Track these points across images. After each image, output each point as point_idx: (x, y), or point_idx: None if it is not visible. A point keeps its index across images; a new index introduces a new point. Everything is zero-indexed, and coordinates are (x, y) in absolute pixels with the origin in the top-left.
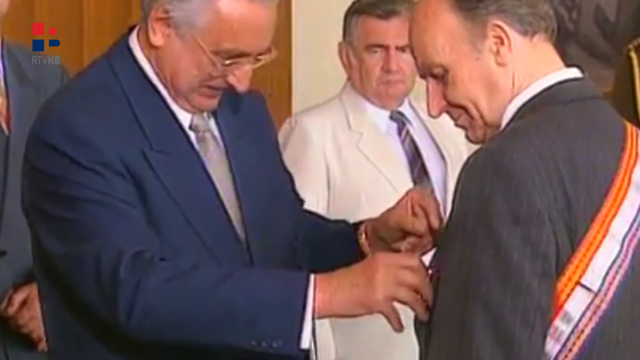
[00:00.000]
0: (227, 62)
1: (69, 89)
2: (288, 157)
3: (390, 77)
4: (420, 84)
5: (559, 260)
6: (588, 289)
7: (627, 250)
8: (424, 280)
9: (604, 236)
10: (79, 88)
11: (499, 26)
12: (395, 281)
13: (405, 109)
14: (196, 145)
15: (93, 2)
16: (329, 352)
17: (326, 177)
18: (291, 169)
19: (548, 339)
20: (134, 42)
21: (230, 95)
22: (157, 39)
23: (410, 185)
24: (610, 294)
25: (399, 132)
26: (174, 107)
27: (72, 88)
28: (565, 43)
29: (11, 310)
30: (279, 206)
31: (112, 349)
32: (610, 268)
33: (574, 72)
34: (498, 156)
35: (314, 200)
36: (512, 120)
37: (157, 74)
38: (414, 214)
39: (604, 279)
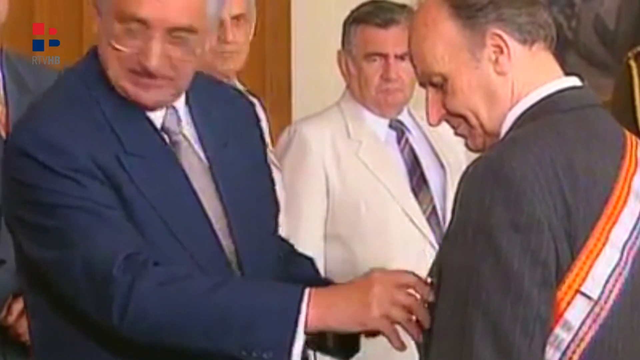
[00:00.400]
0: (132, 26)
1: (42, 101)
2: (287, 166)
3: (390, 86)
4: (420, 92)
5: (559, 268)
6: (588, 297)
7: (627, 258)
8: (419, 302)
9: (603, 244)
10: (51, 99)
11: (498, 35)
12: (390, 299)
13: (404, 117)
14: (171, 147)
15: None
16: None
17: (325, 186)
18: (290, 177)
19: (548, 347)
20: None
21: (217, 102)
22: (95, 29)
23: (409, 192)
24: (610, 302)
25: (398, 141)
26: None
27: (45, 100)
28: (565, 51)
29: (10, 319)
30: (265, 214)
31: (101, 359)
32: (610, 276)
33: (574, 81)
34: (498, 165)
35: (312, 208)
36: (511, 128)
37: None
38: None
39: (604, 287)
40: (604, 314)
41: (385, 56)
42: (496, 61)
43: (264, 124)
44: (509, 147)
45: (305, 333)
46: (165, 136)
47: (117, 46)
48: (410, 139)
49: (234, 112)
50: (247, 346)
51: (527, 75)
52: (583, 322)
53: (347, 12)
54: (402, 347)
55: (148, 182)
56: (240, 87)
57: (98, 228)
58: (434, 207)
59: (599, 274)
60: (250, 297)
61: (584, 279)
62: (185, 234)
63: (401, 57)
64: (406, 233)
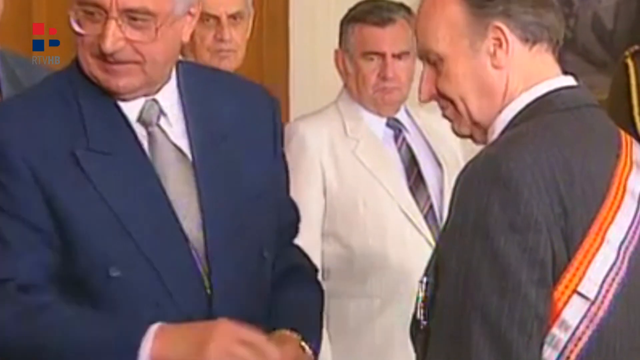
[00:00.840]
0: (91, 9)
1: (19, 95)
2: None
3: (387, 84)
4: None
5: (556, 268)
6: (585, 297)
7: (624, 258)
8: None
9: (600, 244)
10: (27, 95)
11: (499, 28)
12: (227, 352)
13: (401, 116)
14: (145, 145)
15: None
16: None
17: (323, 184)
18: None
19: (545, 346)
20: None
21: (223, 94)
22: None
23: (406, 191)
24: (607, 301)
25: (395, 139)
26: (120, 102)
27: (22, 94)
28: (563, 50)
29: None
30: (260, 212)
31: None
32: (606, 276)
33: (569, 80)
34: (495, 164)
35: (310, 207)
36: (507, 127)
37: None
38: None
39: (601, 287)
40: (600, 313)
41: (382, 55)
42: (494, 54)
43: None
44: (506, 146)
45: None
46: (142, 129)
47: (78, 30)
48: (408, 138)
49: (244, 106)
50: None
51: (523, 73)
52: (580, 322)
53: (344, 11)
54: None
55: (108, 179)
56: None
57: None
58: (431, 205)
59: (595, 274)
60: (98, 331)
61: (580, 279)
62: (143, 234)
63: (398, 56)
64: (403, 231)
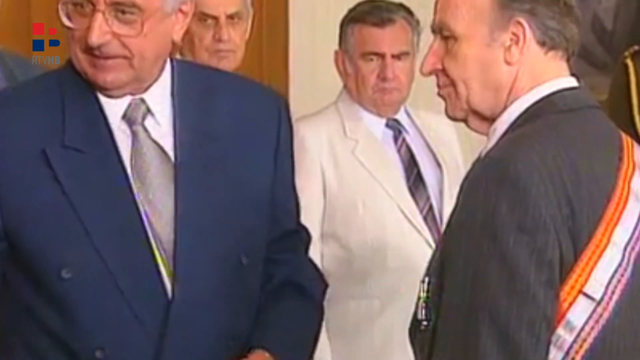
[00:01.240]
0: (80, 2)
1: (4, 91)
2: None
3: (386, 85)
4: (416, 91)
5: (562, 268)
6: (591, 298)
7: (629, 259)
8: None
9: (606, 245)
10: (9, 92)
11: (521, 24)
12: None
13: (401, 116)
14: (128, 144)
15: None
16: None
17: (322, 185)
18: None
19: (551, 347)
20: None
21: (223, 94)
22: None
23: (406, 191)
24: (613, 302)
25: (395, 140)
26: (105, 100)
27: (5, 91)
28: None
29: None
30: (248, 217)
31: None
32: (612, 277)
33: (572, 81)
34: (503, 165)
35: (310, 207)
36: (510, 126)
37: None
38: None
39: (606, 287)
40: (606, 314)
41: (381, 55)
42: (508, 49)
43: None
44: (513, 147)
45: None
46: (126, 127)
47: (67, 24)
48: (407, 138)
49: (244, 106)
50: None
51: (533, 74)
52: (586, 323)
53: (344, 12)
54: None
55: (77, 178)
56: None
57: None
58: (430, 206)
59: (601, 275)
60: None
61: (586, 280)
62: (103, 235)
63: (398, 57)
64: (403, 232)
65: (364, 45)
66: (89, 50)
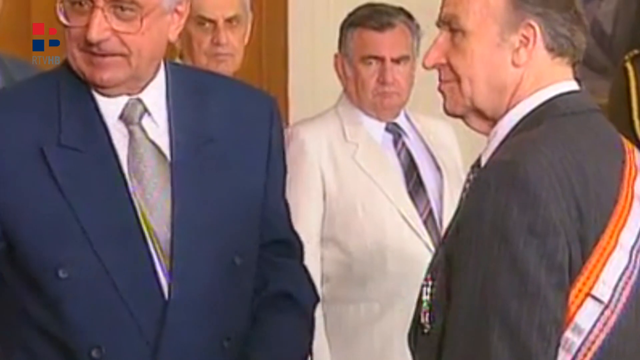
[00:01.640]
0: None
1: (3, 89)
2: None
3: (386, 89)
4: (416, 95)
5: (571, 271)
6: (599, 301)
7: (636, 262)
8: None
9: (613, 247)
10: (6, 91)
11: (532, 27)
12: None
13: (401, 120)
14: (125, 144)
15: None
16: None
17: (322, 189)
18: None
19: (559, 350)
20: None
21: (217, 95)
22: None
23: (405, 195)
24: (620, 305)
25: (395, 144)
26: (101, 99)
27: (2, 90)
28: None
29: None
30: (244, 219)
31: None
32: (619, 279)
33: (573, 85)
34: (512, 168)
35: (310, 211)
36: (513, 129)
37: None
38: None
39: (614, 290)
40: (614, 317)
41: (381, 59)
42: (517, 51)
43: None
44: (521, 151)
45: None
46: (123, 127)
47: (65, 22)
48: (407, 142)
49: (237, 109)
50: None
51: (537, 78)
52: (594, 326)
53: (344, 16)
54: None
55: (73, 177)
56: None
57: None
58: (430, 210)
59: (609, 278)
60: None
61: (594, 282)
62: (99, 234)
63: (397, 61)
64: (403, 236)
65: (363, 49)
66: (86, 48)
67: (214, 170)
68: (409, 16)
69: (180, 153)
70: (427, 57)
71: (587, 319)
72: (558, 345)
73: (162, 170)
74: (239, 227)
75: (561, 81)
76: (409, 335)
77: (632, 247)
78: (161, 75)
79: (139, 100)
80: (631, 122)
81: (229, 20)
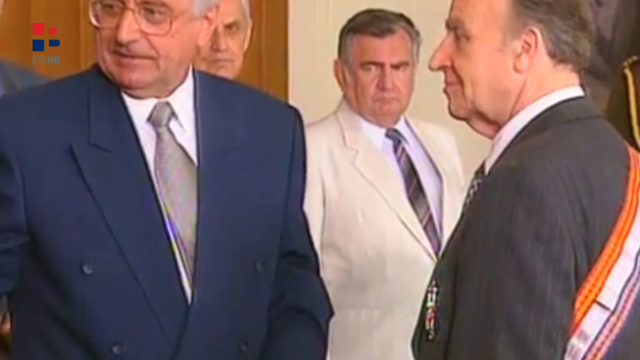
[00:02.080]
0: (109, 2)
1: (32, 88)
2: None
3: (385, 95)
4: (416, 101)
5: (577, 277)
6: (605, 307)
7: None
8: None
9: (618, 254)
10: (38, 89)
11: (534, 33)
12: None
13: (401, 126)
14: (152, 146)
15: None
16: None
17: (322, 195)
18: None
19: (565, 356)
20: None
21: (244, 105)
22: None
23: (405, 201)
24: (626, 312)
25: (395, 150)
26: (130, 101)
27: (34, 88)
28: None
29: (5, 327)
30: (263, 227)
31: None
32: (625, 286)
33: (577, 91)
34: (519, 174)
35: (310, 217)
36: (517, 135)
37: None
38: None
39: (620, 297)
40: (620, 324)
41: (381, 65)
42: (519, 57)
43: None
44: (526, 156)
45: None
46: (151, 129)
47: (96, 24)
48: (407, 148)
49: (261, 124)
50: None
51: (540, 84)
52: (600, 332)
53: (344, 22)
54: None
55: (102, 176)
56: None
57: None
58: (430, 216)
59: (614, 285)
60: None
61: (600, 289)
62: (125, 233)
63: (397, 67)
64: (402, 241)
65: (363, 55)
66: (116, 49)
67: (238, 176)
68: (409, 22)
69: (206, 157)
70: (433, 58)
71: (593, 325)
72: (564, 351)
73: (188, 174)
74: (261, 234)
75: (565, 87)
76: (413, 341)
77: (637, 254)
78: (189, 80)
79: (167, 104)
80: (630, 128)
81: (228, 27)
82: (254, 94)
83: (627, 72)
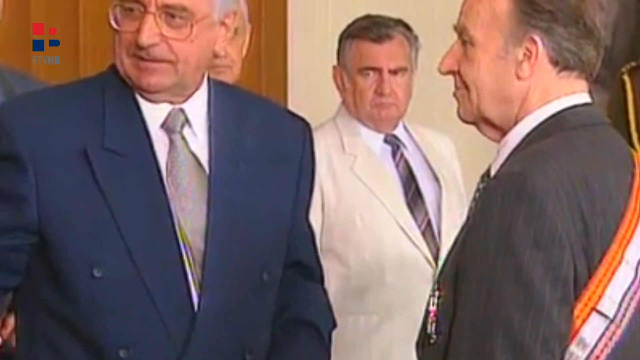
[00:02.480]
0: (130, 6)
1: (46, 89)
2: None
3: (384, 100)
4: (414, 107)
5: (576, 285)
6: (604, 316)
7: None
8: None
9: (619, 262)
10: (53, 90)
11: (534, 41)
12: None
13: (399, 132)
14: (164, 152)
15: (90, 1)
16: None
17: (320, 200)
18: None
19: None
20: None
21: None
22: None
23: (404, 207)
24: (626, 320)
25: (393, 155)
26: (145, 105)
27: (49, 89)
28: None
29: (5, 332)
30: (270, 237)
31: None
32: (625, 295)
33: (584, 98)
34: (520, 181)
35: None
36: (522, 141)
37: None
38: None
39: (620, 305)
40: (619, 332)
41: (379, 70)
42: (520, 64)
43: None
44: (529, 163)
45: None
46: (164, 135)
47: (116, 27)
48: (406, 154)
49: (272, 136)
50: None
51: (543, 91)
52: (599, 340)
53: (343, 27)
54: None
55: (115, 180)
56: None
57: None
58: (429, 222)
59: (615, 293)
60: None
61: (600, 297)
62: (136, 238)
63: (395, 72)
64: (401, 247)
65: (361, 61)
66: (136, 52)
67: (248, 186)
68: (408, 28)
69: (218, 166)
70: (442, 63)
71: (592, 333)
72: (562, 358)
73: (199, 181)
74: (269, 244)
75: (571, 94)
76: (417, 344)
77: (638, 263)
78: (204, 87)
79: (182, 111)
80: (629, 134)
81: None
82: (266, 104)
83: (626, 78)
